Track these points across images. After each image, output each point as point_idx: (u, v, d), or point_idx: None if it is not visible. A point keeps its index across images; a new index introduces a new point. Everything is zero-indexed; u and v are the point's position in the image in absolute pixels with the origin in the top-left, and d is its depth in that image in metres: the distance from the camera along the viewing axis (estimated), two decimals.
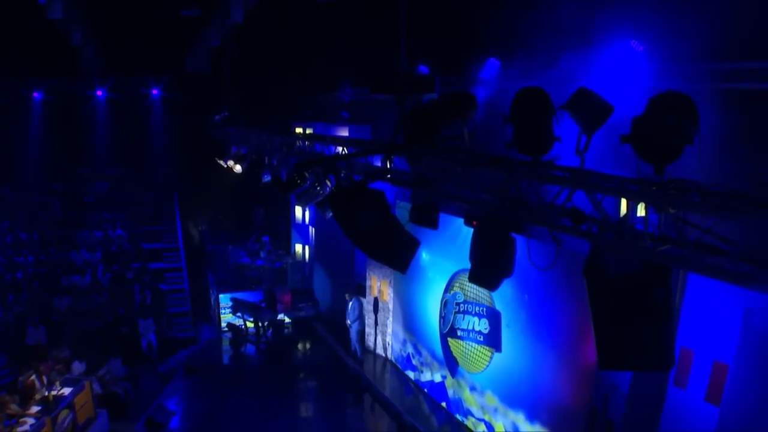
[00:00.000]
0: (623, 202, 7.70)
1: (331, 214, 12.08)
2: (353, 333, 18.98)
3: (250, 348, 21.21)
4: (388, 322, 18.63)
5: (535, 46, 12.33)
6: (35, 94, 25.62)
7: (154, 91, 27.11)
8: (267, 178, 15.47)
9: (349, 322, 19.04)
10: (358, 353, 18.93)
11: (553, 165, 5.96)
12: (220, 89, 24.46)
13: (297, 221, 25.59)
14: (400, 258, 7.84)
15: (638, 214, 6.05)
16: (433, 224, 8.29)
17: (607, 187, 5.41)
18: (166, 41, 22.53)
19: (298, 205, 14.88)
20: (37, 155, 26.00)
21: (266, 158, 15.94)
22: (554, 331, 11.81)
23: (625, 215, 5.40)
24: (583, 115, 5.54)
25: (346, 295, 19.15)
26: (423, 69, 14.81)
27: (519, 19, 11.97)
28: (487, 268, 6.98)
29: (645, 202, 5.12)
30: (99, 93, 26.24)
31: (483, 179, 6.76)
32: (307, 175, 13.51)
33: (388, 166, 8.23)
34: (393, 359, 18.46)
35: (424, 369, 16.76)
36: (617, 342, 5.29)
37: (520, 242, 6.79)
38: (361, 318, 18.96)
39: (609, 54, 10.91)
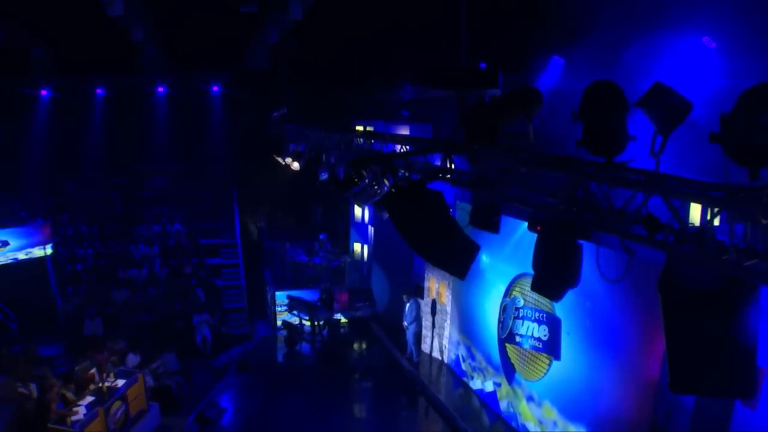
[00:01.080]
0: (693, 208, 7.11)
1: (387, 214, 11.81)
2: (410, 335, 18.66)
3: (305, 346, 21.08)
4: (445, 324, 18.23)
5: (600, 42, 11.72)
6: (98, 91, 26.01)
7: (214, 88, 27.21)
8: (324, 176, 15.22)
9: (405, 324, 18.73)
10: (414, 356, 18.60)
11: (626, 167, 5.46)
12: (278, 86, 24.38)
13: (356, 220, 25.37)
14: (458, 263, 7.42)
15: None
16: (495, 228, 7.83)
17: (687, 193, 4.90)
18: (225, 38, 22.51)
19: (355, 204, 14.59)
20: (99, 150, 26.39)
21: (324, 156, 15.71)
22: (617, 341, 11.22)
23: (707, 224, 4.83)
24: (660, 113, 5.03)
25: (404, 297, 18.81)
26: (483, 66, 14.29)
27: (583, 13, 11.40)
28: (551, 276, 6.51)
29: (731, 211, 4.58)
30: (160, 89, 26.48)
31: (548, 181, 6.31)
32: (364, 173, 13.23)
33: (448, 165, 7.81)
34: (449, 363, 18.03)
35: (475, 374, 16.39)
36: (693, 364, 4.81)
37: (587, 249, 6.30)
38: (418, 320, 18.63)
39: (678, 50, 10.29)
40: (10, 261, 21.04)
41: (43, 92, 25.28)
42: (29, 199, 25.96)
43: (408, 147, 11.65)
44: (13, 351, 17.46)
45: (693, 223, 5.34)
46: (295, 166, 18.15)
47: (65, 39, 21.18)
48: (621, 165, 5.47)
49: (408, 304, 18.65)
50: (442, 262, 7.76)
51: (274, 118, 22.80)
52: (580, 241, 6.21)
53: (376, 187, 12.19)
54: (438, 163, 8.54)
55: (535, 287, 6.83)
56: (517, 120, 6.41)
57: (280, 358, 20.76)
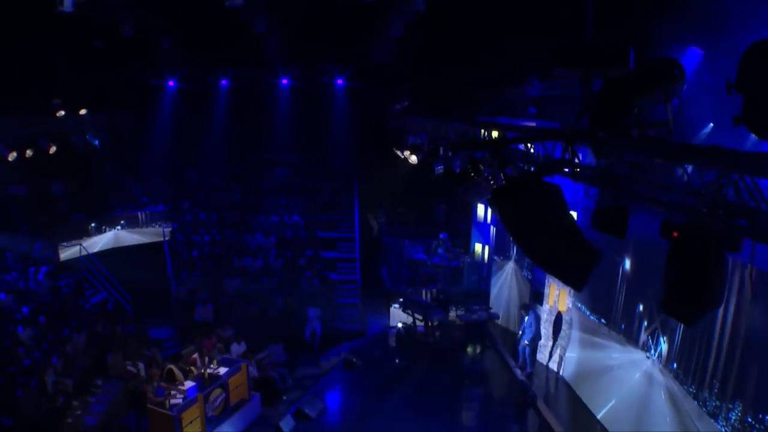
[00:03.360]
0: None
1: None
2: (525, 348, 17.52)
3: (416, 347, 20.23)
4: (565, 335, 16.91)
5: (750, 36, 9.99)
6: (222, 82, 26.32)
7: (338, 81, 26.92)
8: (439, 169, 14.44)
9: (521, 335, 17.64)
10: (528, 367, 17.40)
11: None
12: (401, 79, 23.76)
13: (479, 219, 24.42)
14: (576, 271, 6.17)
15: None
16: (621, 232, 6.58)
17: None
18: (350, 30, 22.14)
19: (468, 199, 13.68)
20: (221, 140, 26.71)
21: (441, 149, 15.06)
22: None
23: None
24: None
25: (521, 309, 17.58)
26: None
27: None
28: (685, 295, 5.26)
29: None
30: (283, 81, 26.47)
31: (690, 177, 5.09)
32: (481, 167, 12.35)
33: (570, 157, 6.63)
34: (565, 376, 16.74)
35: None
36: None
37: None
38: (536, 336, 17.42)
39: None
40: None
41: (170, 83, 25.84)
42: (152, 185, 26.68)
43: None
44: (125, 330, 17.69)
45: None
46: (413, 159, 17.55)
47: (191, 30, 21.42)
48: None
49: (527, 317, 17.54)
50: (558, 269, 6.44)
51: (394, 111, 22.25)
52: (728, 254, 4.97)
53: (492, 182, 11.26)
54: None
55: (666, 308, 5.57)
56: (653, 98, 5.21)
57: (388, 357, 20.01)
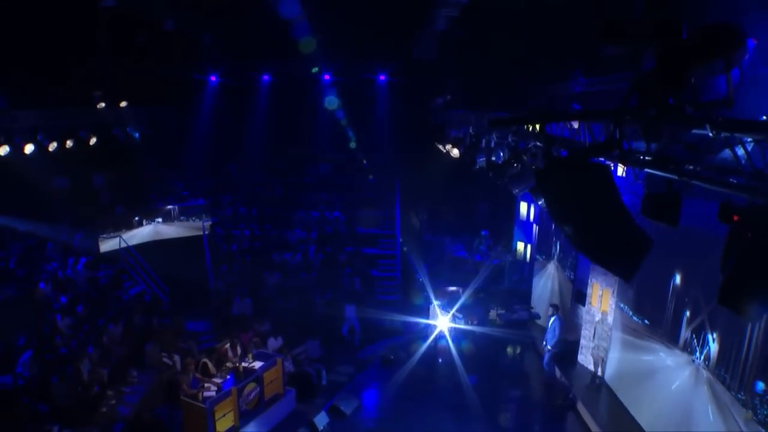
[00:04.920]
0: None
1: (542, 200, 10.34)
2: (549, 356, 16.93)
3: (455, 346, 19.79)
4: (606, 336, 16.30)
5: None
6: (264, 77, 26.28)
7: (381, 77, 26.70)
8: (481, 160, 14.10)
9: (545, 343, 17.05)
10: (553, 374, 16.86)
11: None
12: (443, 75, 23.42)
13: (521, 218, 23.93)
14: (625, 260, 5.64)
15: None
16: (674, 220, 6.09)
17: None
18: (393, 25, 21.91)
19: (510, 189, 13.23)
20: (262, 135, 26.69)
21: (483, 141, 14.81)
22: None
23: None
24: None
25: (549, 310, 16.95)
26: None
27: None
28: (745, 287, 4.76)
29: None
30: (325, 77, 26.33)
31: (751, 158, 4.61)
32: (525, 158, 11.99)
33: (617, 139, 6.12)
34: (606, 378, 16.16)
35: None
36: None
37: None
38: (560, 341, 16.82)
39: None
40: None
41: (212, 78, 25.93)
42: (192, 179, 26.78)
43: (575, 131, 10.15)
44: (162, 322, 17.64)
45: None
46: (455, 152, 17.25)
47: (233, 26, 21.39)
48: None
49: (551, 320, 16.83)
50: (606, 257, 5.86)
51: (437, 105, 21.94)
52: None
53: (535, 169, 10.90)
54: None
55: (723, 299, 5.05)
56: (712, 67, 4.71)
57: (427, 356, 19.60)
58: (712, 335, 11.51)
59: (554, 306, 17.33)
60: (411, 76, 25.44)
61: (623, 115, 5.64)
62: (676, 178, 5.75)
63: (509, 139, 12.61)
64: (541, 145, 9.13)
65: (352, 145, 27.69)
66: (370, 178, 27.56)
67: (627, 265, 5.54)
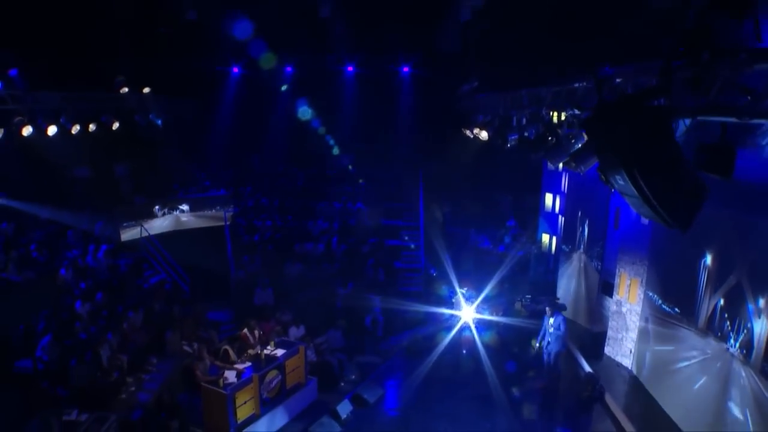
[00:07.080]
0: None
1: (585, 168, 9.98)
2: (548, 356, 15.75)
3: (479, 338, 19.41)
4: (634, 327, 15.83)
5: None
6: (286, 69, 26.13)
7: (404, 69, 26.44)
8: (513, 138, 13.83)
9: (545, 340, 15.82)
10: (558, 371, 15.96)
11: None
12: (467, 66, 23.09)
13: (546, 209, 23.53)
14: (682, 208, 5.25)
15: None
16: (727, 172, 5.63)
17: None
18: (416, 16, 21.63)
19: (549, 162, 12.87)
20: (285, 126, 26.51)
21: (514, 119, 14.70)
22: None
23: None
24: None
25: (547, 309, 15.86)
26: None
27: None
28: None
29: None
30: (349, 69, 26.10)
31: None
32: (559, 131, 11.72)
33: (667, 85, 5.68)
34: (635, 370, 15.69)
35: None
36: None
37: None
38: (564, 344, 15.81)
39: None
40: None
41: (234, 69, 25.81)
42: (214, 169, 26.69)
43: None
44: (183, 311, 17.46)
45: None
46: (483, 135, 17.09)
47: (255, 17, 21.19)
48: None
49: (552, 319, 15.51)
50: (661, 206, 5.51)
51: (463, 92, 21.57)
52: None
53: (573, 140, 10.66)
54: None
55: None
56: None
57: (451, 347, 19.25)
58: (748, 324, 10.97)
59: (560, 305, 16.73)
60: (435, 68, 25.18)
61: (673, 59, 5.24)
62: (735, 120, 5.31)
63: (542, 112, 12.37)
64: (579, 112, 8.72)
65: (376, 136, 27.45)
66: (393, 170, 27.26)
67: (685, 212, 5.15)
